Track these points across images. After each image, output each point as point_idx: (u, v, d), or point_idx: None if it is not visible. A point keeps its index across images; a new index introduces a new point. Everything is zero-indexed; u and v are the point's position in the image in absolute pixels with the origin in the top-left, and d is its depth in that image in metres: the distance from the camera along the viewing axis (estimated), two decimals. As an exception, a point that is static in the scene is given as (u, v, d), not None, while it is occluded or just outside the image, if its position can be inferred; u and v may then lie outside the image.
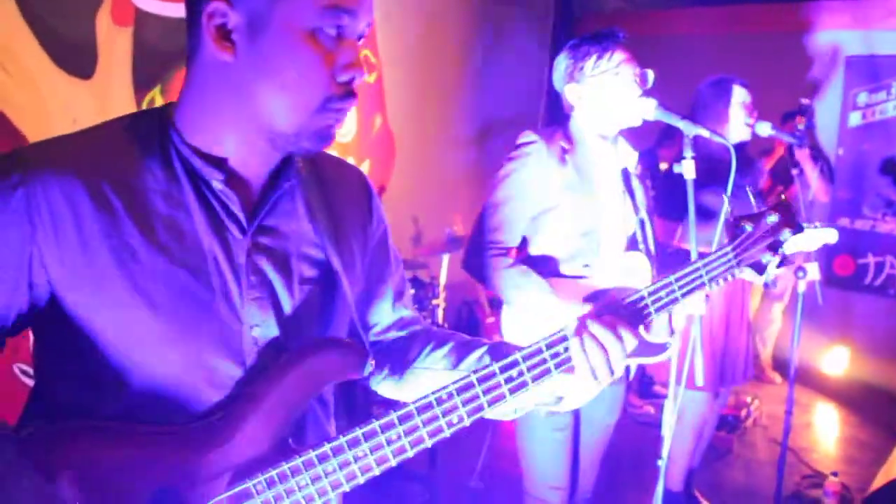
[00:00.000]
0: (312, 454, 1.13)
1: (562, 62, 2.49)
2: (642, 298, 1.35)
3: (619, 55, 2.40)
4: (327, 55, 1.08)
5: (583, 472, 2.73)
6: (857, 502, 4.07)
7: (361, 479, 1.15)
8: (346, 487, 1.14)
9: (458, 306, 4.86)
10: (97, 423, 1.08)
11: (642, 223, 2.53)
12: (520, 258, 2.44)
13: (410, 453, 1.17)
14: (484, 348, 1.38)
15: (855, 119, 6.15)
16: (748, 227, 1.44)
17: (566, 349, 1.25)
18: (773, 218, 1.45)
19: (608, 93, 2.40)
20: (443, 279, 4.35)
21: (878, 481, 3.87)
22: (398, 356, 1.45)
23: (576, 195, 2.39)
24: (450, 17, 5.49)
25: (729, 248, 1.43)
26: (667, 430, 2.40)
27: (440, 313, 4.29)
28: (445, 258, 4.29)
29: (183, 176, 1.13)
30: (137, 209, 1.09)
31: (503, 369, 1.21)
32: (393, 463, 1.16)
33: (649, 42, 6.12)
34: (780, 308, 5.88)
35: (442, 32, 5.44)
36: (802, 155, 4.84)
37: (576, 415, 2.59)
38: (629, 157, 2.56)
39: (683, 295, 1.38)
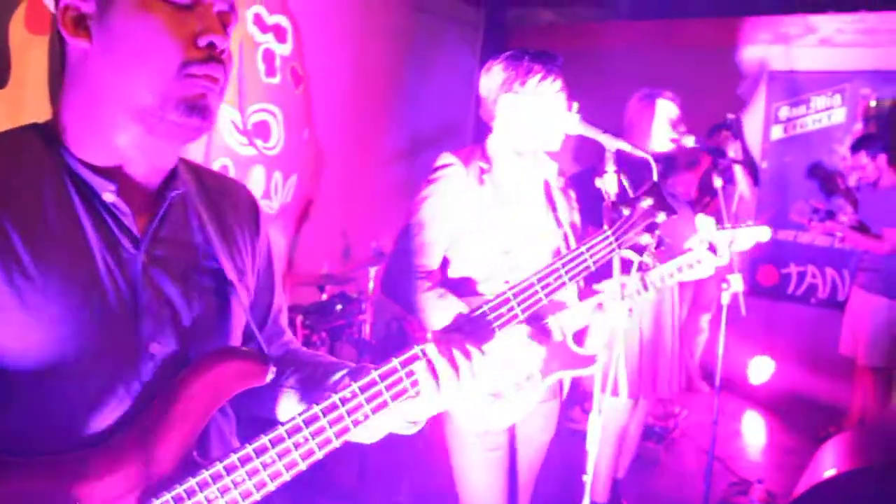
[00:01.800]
0: (220, 466, 1.11)
1: (499, 71, 2.45)
2: (529, 284, 1.38)
3: (560, 82, 2.42)
4: (178, 21, 1.09)
5: (519, 491, 2.71)
6: (782, 508, 4.15)
7: (272, 486, 1.14)
8: (258, 496, 1.13)
9: (388, 321, 4.82)
10: None
11: (565, 237, 2.54)
12: (440, 280, 2.42)
13: (319, 455, 1.16)
14: (345, 370, 1.37)
15: (777, 132, 6.32)
16: (625, 211, 1.50)
17: (400, 380, 1.24)
18: (647, 202, 1.53)
19: (543, 113, 2.40)
20: (371, 294, 4.31)
21: (802, 486, 3.95)
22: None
23: (495, 214, 2.38)
24: (378, 29, 5.48)
25: (609, 232, 1.50)
26: (592, 444, 2.39)
27: (367, 329, 4.25)
28: (373, 272, 4.26)
29: (73, 191, 1.10)
30: (29, 228, 1.06)
31: (342, 401, 1.20)
32: (303, 466, 1.15)
33: (580, 56, 6.21)
34: (707, 318, 5.99)
35: (370, 45, 5.43)
36: (737, 167, 4.98)
37: (511, 434, 2.56)
38: (550, 170, 2.56)
39: (571, 279, 1.41)
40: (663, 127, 3.43)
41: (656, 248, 1.56)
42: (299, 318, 3.86)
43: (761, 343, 6.14)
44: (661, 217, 1.52)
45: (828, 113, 6.11)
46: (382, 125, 5.73)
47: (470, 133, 6.64)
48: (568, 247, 2.53)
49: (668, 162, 3.48)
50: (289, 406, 1.38)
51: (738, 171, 4.97)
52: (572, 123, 2.32)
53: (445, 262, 2.45)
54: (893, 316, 4.84)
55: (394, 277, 2.40)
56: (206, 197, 1.29)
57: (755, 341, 6.11)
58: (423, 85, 5.99)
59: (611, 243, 1.48)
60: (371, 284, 4.29)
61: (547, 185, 2.56)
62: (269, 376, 1.16)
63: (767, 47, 6.38)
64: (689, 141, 3.43)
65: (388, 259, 2.48)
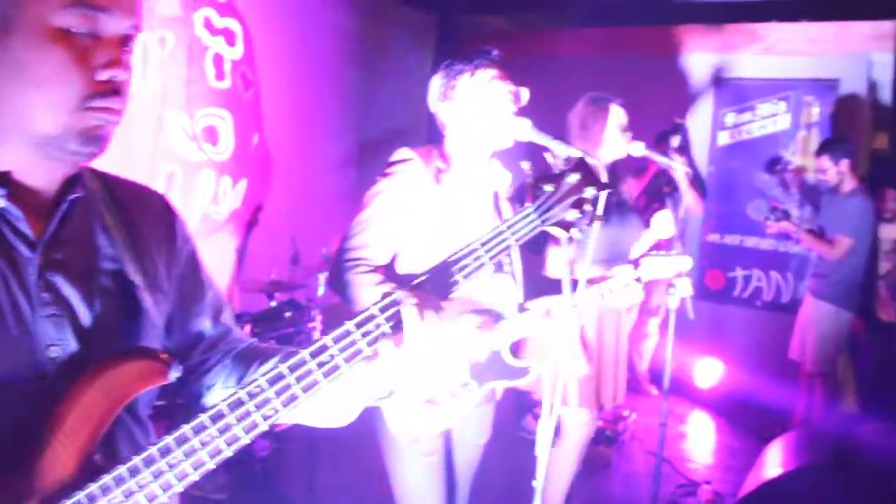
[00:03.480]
0: (123, 469, 1.09)
1: (436, 82, 2.48)
2: (448, 267, 1.37)
3: (490, 72, 2.41)
4: (81, 53, 1.09)
5: (458, 494, 2.71)
6: (729, 508, 4.21)
7: (179, 487, 1.12)
8: (164, 497, 1.11)
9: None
10: None
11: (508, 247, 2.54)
12: (385, 277, 2.40)
13: (228, 452, 1.14)
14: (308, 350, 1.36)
15: (723, 138, 6.44)
16: (548, 188, 1.48)
17: (378, 326, 1.24)
18: (573, 177, 1.50)
19: (480, 111, 2.40)
20: (320, 301, 4.28)
21: (748, 486, 4.02)
22: (234, 374, 1.43)
23: (447, 215, 2.38)
24: (329, 35, 5.46)
25: (531, 209, 1.47)
26: (542, 451, 2.39)
27: (316, 336, 4.21)
28: (323, 279, 4.22)
29: None
30: None
31: (313, 354, 1.19)
32: (211, 465, 1.13)
33: (531, 63, 6.25)
34: (656, 322, 6.05)
35: (322, 51, 5.40)
36: (680, 172, 5.02)
37: (446, 438, 2.56)
38: (502, 180, 2.57)
39: (492, 258, 1.39)
40: (615, 133, 3.45)
41: (588, 224, 1.55)
42: (248, 326, 3.82)
43: (709, 346, 6.23)
44: (589, 192, 1.50)
45: (773, 119, 6.25)
46: (332, 131, 5.70)
47: (423, 139, 6.64)
48: (510, 258, 2.54)
49: (613, 169, 3.49)
50: None
51: (684, 180, 5.01)
52: (524, 130, 2.33)
53: (394, 259, 2.43)
54: (839, 323, 4.93)
55: (341, 271, 2.34)
56: (112, 202, 1.28)
57: (703, 344, 6.19)
58: (374, 91, 5.97)
59: (532, 220, 1.45)
60: (321, 290, 4.25)
61: (496, 196, 2.57)
62: (174, 374, 1.14)
63: (714, 55, 6.50)
64: (639, 147, 3.46)
65: (336, 252, 2.43)
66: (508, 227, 1.44)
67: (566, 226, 1.50)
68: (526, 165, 1.86)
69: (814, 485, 3.78)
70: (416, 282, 1.34)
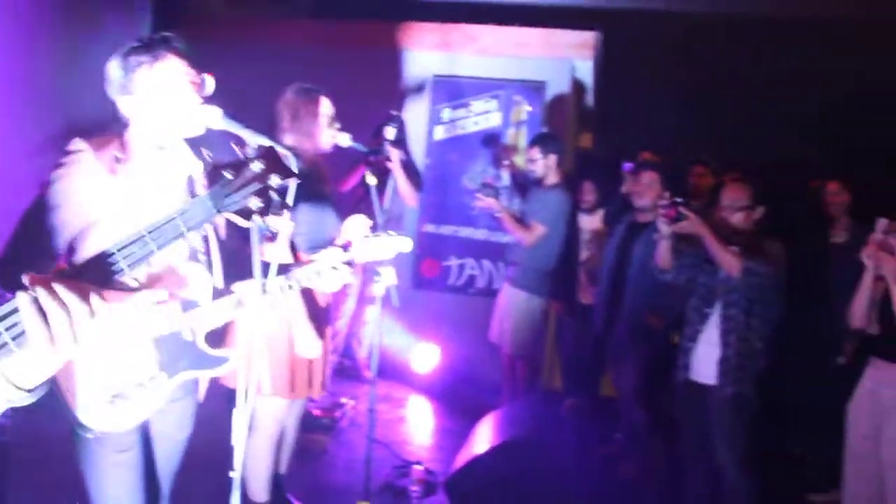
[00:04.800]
0: None
1: (114, 73, 2.33)
2: (110, 254, 1.30)
3: (171, 63, 2.31)
4: None
5: (161, 490, 2.60)
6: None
7: None
8: None
9: None
10: None
11: (205, 237, 2.48)
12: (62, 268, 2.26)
13: None
14: None
15: (439, 133, 6.69)
16: (228, 175, 1.46)
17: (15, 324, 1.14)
18: (258, 165, 1.49)
19: (161, 105, 2.30)
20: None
21: (458, 463, 4.23)
22: None
23: (127, 205, 2.26)
24: (22, 13, 5.00)
25: (206, 196, 1.45)
26: (238, 441, 2.34)
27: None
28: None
29: None
30: None
31: None
32: None
33: (251, 49, 6.14)
34: (374, 310, 6.15)
35: (10, 30, 4.93)
36: (395, 163, 5.13)
37: (143, 434, 2.45)
38: (194, 166, 2.49)
39: (160, 246, 1.35)
40: (325, 124, 3.46)
41: (271, 212, 1.54)
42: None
43: (426, 332, 6.46)
44: (274, 180, 1.49)
45: (486, 116, 6.58)
46: (32, 114, 5.23)
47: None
48: (206, 245, 2.48)
49: (318, 160, 3.51)
50: None
51: (400, 173, 5.14)
52: (214, 118, 2.27)
53: (70, 251, 2.29)
54: (532, 309, 5.29)
55: (12, 262, 2.19)
56: None
57: (420, 330, 6.42)
58: (81, 72, 5.54)
59: (208, 208, 1.42)
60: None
61: (191, 182, 2.48)
62: None
63: (433, 53, 6.73)
64: (346, 139, 3.50)
65: (6, 244, 2.26)
66: (180, 215, 1.39)
67: (247, 214, 1.47)
68: (206, 152, 1.81)
69: (515, 458, 4.06)
70: (69, 270, 1.25)
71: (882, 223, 3.26)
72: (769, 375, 3.79)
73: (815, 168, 5.26)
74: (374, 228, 3.14)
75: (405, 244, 3.09)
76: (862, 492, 3.39)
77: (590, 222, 5.84)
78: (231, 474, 2.37)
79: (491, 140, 6.55)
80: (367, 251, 3.02)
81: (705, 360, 3.78)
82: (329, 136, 3.47)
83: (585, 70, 6.68)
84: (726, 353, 3.70)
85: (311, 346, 3.39)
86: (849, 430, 3.45)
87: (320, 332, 3.49)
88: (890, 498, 3.23)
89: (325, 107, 3.46)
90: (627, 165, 5.26)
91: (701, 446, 3.85)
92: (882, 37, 5.97)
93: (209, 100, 2.35)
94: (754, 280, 3.61)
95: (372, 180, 3.68)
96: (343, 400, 5.30)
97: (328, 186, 3.58)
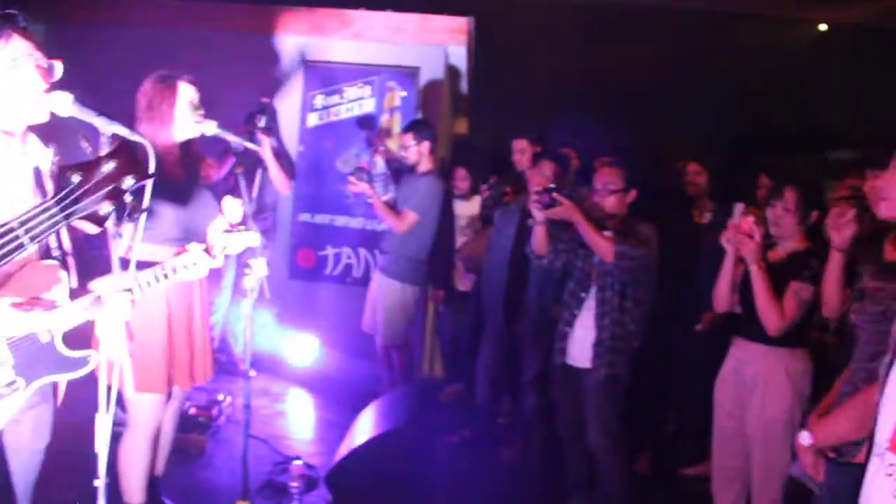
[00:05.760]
0: None
1: None
2: None
3: (16, 45, 2.15)
4: None
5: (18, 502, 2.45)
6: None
7: None
8: None
9: None
10: None
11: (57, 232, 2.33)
12: None
13: None
14: None
15: (313, 120, 6.57)
16: (75, 178, 1.34)
17: None
18: (109, 165, 1.36)
19: (4, 85, 2.14)
20: None
21: (339, 455, 4.16)
22: None
23: None
24: None
25: (52, 202, 1.32)
26: (100, 447, 2.21)
27: None
28: None
29: None
30: None
31: None
32: None
33: (108, 31, 5.82)
34: (249, 304, 6.00)
35: None
36: (266, 151, 4.99)
37: (-3, 444, 2.30)
38: (42, 156, 2.33)
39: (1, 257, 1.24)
40: (186, 111, 3.31)
41: (128, 215, 1.42)
42: None
43: (303, 323, 6.34)
44: (128, 182, 1.36)
45: (359, 102, 6.50)
46: None
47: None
48: (59, 240, 2.33)
49: (188, 148, 3.37)
50: None
51: (272, 161, 5.00)
52: (64, 104, 2.12)
53: None
54: (405, 298, 5.25)
55: None
56: None
57: (299, 321, 6.30)
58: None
59: (54, 215, 1.29)
60: None
61: (38, 173, 2.32)
62: None
63: (305, 38, 6.59)
64: (211, 126, 3.36)
65: None
66: (21, 224, 1.26)
67: (99, 220, 1.34)
68: (85, 143, 1.68)
69: (396, 445, 4.03)
70: None
71: (739, 207, 3.38)
72: (642, 355, 3.90)
73: (685, 150, 5.37)
74: (243, 218, 3.10)
75: (253, 238, 3.13)
76: (728, 465, 3.53)
77: (465, 208, 5.86)
78: (96, 483, 2.25)
79: (366, 123, 6.48)
80: (223, 246, 3.04)
81: (581, 343, 3.85)
82: (190, 124, 3.32)
83: (459, 56, 6.69)
84: (601, 336, 3.78)
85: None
86: (715, 408, 3.57)
87: (204, 319, 3.47)
88: (755, 470, 3.37)
89: (185, 93, 3.30)
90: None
91: (577, 428, 3.94)
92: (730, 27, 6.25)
93: (59, 85, 2.20)
94: (627, 264, 3.69)
95: (238, 168, 3.58)
96: (220, 397, 5.12)
97: (190, 175, 3.41)
